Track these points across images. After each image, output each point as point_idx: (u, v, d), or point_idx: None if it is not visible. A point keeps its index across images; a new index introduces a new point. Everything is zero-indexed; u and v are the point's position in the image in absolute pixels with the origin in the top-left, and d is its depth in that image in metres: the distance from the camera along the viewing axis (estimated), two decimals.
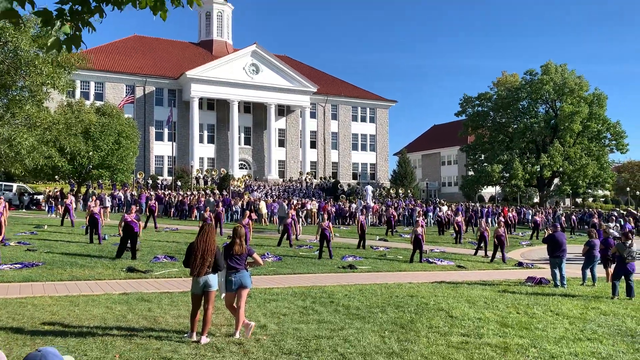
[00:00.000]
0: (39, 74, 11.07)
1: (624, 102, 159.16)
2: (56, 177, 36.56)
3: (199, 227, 7.74)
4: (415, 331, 8.19)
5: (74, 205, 26.24)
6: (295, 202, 35.44)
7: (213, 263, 7.32)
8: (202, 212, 25.62)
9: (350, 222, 36.50)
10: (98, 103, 40.60)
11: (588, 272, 14.71)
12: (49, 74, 11.29)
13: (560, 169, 53.61)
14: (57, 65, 12.38)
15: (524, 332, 8.40)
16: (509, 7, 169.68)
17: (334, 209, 36.25)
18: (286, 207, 31.93)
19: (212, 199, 33.73)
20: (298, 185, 50.95)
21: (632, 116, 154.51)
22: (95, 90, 50.32)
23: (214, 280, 7.36)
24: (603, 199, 76.96)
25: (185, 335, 7.35)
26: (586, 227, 40.06)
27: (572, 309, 10.60)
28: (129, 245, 15.88)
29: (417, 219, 22.04)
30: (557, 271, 14.06)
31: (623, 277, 12.51)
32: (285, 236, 21.84)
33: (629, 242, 12.64)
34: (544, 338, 8.08)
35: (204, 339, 7.16)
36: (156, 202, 29.08)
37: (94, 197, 21.42)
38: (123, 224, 15.86)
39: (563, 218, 39.93)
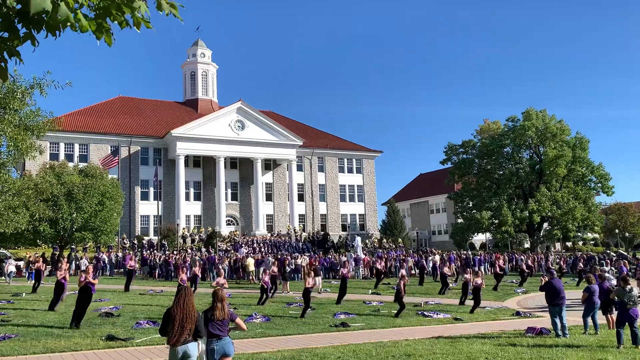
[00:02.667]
0: (1, 135, 10.69)
1: (603, 146, 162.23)
2: (38, 241, 35.57)
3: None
4: None
5: (46, 272, 25.48)
6: (300, 259, 34.56)
7: (194, 330, 6.72)
8: (186, 273, 24.75)
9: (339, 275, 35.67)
10: (81, 165, 40.15)
11: (589, 319, 14.15)
12: (12, 136, 10.89)
13: (549, 214, 53.62)
14: (25, 128, 12.01)
15: None
16: (488, 56, 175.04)
17: (323, 262, 35.51)
18: (271, 261, 31.20)
19: (197, 258, 32.87)
20: (287, 239, 50.18)
21: (613, 159, 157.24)
22: (79, 151, 49.98)
23: (193, 349, 6.73)
24: (593, 242, 76.88)
25: None
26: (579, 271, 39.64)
27: None
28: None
29: (401, 271, 21.44)
30: (557, 320, 13.50)
31: (627, 323, 11.99)
32: (264, 294, 21.11)
33: (629, 286, 12.19)
34: None
35: None
36: (136, 264, 28.18)
37: (64, 262, 20.64)
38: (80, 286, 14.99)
39: (550, 263, 39.52)
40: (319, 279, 26.69)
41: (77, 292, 15.39)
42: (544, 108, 58.44)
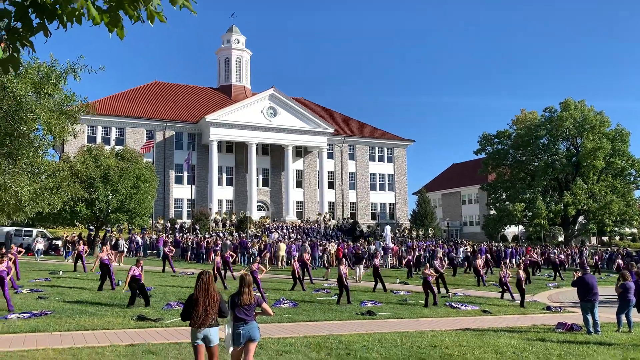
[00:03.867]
0: (36, 119, 10.97)
1: None
2: (75, 221, 36.64)
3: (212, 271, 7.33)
4: None
5: (87, 251, 26.33)
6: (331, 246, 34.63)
7: (217, 311, 6.87)
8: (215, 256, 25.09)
9: (369, 264, 35.64)
10: (118, 148, 41.08)
11: (623, 317, 13.78)
12: (46, 119, 11.16)
13: (585, 207, 52.28)
14: (60, 112, 12.30)
15: None
16: (526, 46, 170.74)
17: (352, 250, 35.52)
18: (307, 247, 31.47)
19: (228, 242, 33.35)
20: (316, 226, 50.40)
21: None
22: (116, 135, 51.09)
23: (215, 333, 6.85)
24: (630, 237, 74.74)
25: None
26: (614, 266, 38.67)
27: (609, 359, 9.79)
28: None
29: (435, 261, 21.28)
30: (589, 317, 13.21)
31: None
32: (296, 281, 21.28)
33: None
34: None
35: None
36: (172, 247, 28.76)
37: (104, 244, 21.27)
38: (129, 278, 15.53)
39: (584, 258, 38.70)
40: (361, 267, 26.60)
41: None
42: (582, 99, 56.71)
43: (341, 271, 18.00)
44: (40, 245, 31.85)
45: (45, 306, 14.48)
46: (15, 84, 10.48)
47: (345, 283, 17.75)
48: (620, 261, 32.51)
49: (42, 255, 33.02)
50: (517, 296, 19.29)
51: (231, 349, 7.15)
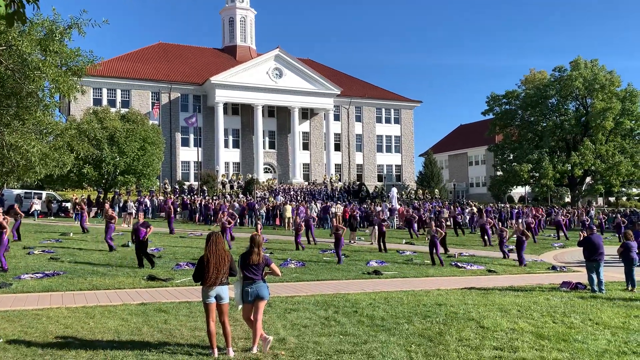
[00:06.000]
0: (43, 77, 10.84)
1: None
2: (83, 183, 36.89)
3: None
4: (444, 344, 7.68)
5: (92, 214, 26.56)
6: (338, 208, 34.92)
7: (228, 270, 7.02)
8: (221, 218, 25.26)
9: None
10: (123, 110, 40.97)
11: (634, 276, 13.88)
12: (54, 77, 11.03)
13: (592, 168, 52.06)
14: (67, 69, 12.16)
15: (562, 345, 7.81)
16: (536, 4, 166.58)
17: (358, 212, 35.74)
18: (315, 208, 31.77)
19: (236, 204, 33.60)
20: (323, 188, 50.55)
21: None
22: (121, 97, 50.90)
23: (225, 292, 7.01)
24: (638, 198, 74.65)
25: (209, 352, 6.94)
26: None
27: (613, 317, 9.92)
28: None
29: (438, 220, 21.45)
30: (594, 276, 13.34)
31: None
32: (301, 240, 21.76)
33: None
34: (585, 352, 7.48)
35: (232, 352, 6.92)
36: (171, 207, 29.00)
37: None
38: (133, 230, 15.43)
39: (589, 217, 38.72)
40: (376, 228, 26.69)
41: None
42: (595, 58, 55.61)
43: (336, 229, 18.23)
44: (37, 206, 32.14)
45: (58, 267, 14.74)
46: (21, 42, 10.33)
47: (341, 243, 18.03)
48: (619, 220, 32.58)
49: (52, 217, 33.42)
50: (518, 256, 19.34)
51: (240, 306, 7.32)
